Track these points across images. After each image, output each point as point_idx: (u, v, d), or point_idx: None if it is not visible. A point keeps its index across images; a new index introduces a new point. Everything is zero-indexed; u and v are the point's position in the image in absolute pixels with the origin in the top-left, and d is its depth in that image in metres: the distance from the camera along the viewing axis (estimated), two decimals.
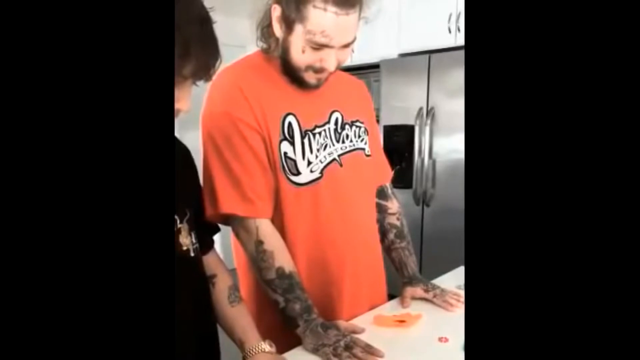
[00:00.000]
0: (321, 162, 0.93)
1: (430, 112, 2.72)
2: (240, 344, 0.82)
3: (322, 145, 0.94)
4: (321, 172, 0.93)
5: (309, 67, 0.87)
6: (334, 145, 0.96)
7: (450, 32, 2.76)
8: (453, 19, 2.73)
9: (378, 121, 2.93)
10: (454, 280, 1.17)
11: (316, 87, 0.92)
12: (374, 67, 3.04)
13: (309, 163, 0.92)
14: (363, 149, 1.02)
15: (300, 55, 0.86)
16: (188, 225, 0.77)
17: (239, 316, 0.84)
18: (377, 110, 2.97)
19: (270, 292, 0.89)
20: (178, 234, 0.75)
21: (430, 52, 2.75)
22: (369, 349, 0.82)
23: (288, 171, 0.90)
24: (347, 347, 0.82)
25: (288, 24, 0.84)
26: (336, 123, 0.97)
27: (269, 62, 0.93)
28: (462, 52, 2.52)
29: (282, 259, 0.89)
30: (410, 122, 2.81)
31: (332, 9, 0.80)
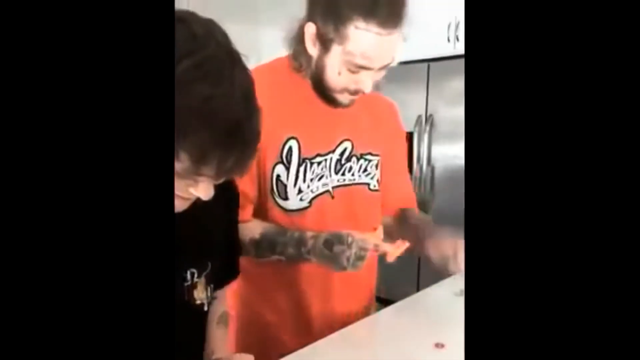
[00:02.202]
0: (312, 192, 0.90)
1: (429, 120, 2.74)
2: (209, 355, 0.79)
3: (317, 175, 0.90)
4: (310, 202, 0.90)
5: (345, 90, 0.84)
6: (331, 176, 0.92)
7: (449, 41, 2.78)
8: (452, 28, 2.75)
9: None
10: (451, 287, 1.17)
11: (347, 106, 0.88)
12: None
13: (300, 191, 0.89)
14: (367, 184, 0.97)
15: (336, 77, 0.82)
16: (206, 279, 0.72)
17: (220, 336, 0.82)
18: None
19: (271, 258, 0.88)
20: (194, 288, 0.70)
21: (429, 60, 2.77)
22: (377, 248, 0.81)
23: (277, 194, 0.88)
24: (359, 258, 0.79)
25: (324, 43, 0.80)
26: (342, 154, 0.93)
27: (295, 75, 0.89)
28: (461, 61, 2.54)
29: (255, 229, 0.87)
30: (409, 129, 2.82)
31: (375, 29, 0.75)
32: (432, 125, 2.73)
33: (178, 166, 0.50)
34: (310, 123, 0.89)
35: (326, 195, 0.92)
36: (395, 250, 0.84)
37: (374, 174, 0.98)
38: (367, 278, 1.08)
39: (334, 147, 0.92)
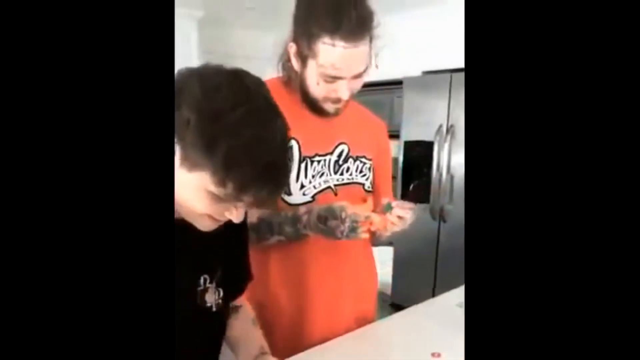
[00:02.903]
0: (314, 188, 0.98)
1: (450, 129, 2.77)
2: (260, 351, 0.85)
3: (318, 172, 0.98)
4: (313, 197, 0.98)
5: (326, 99, 0.93)
6: (330, 175, 1.00)
7: None
8: None
9: (398, 137, 3.01)
10: (456, 297, 1.21)
11: (335, 114, 0.97)
12: (398, 83, 3.11)
13: (302, 186, 0.97)
14: (362, 184, 1.06)
15: (316, 87, 0.91)
16: (216, 284, 0.78)
17: (261, 335, 0.89)
18: (399, 125, 3.04)
19: (270, 240, 0.95)
20: (205, 292, 0.76)
21: (452, 71, 2.80)
22: (369, 220, 0.87)
23: None
24: (353, 230, 0.87)
25: (302, 59, 0.90)
26: (339, 155, 1.02)
27: (288, 90, 0.98)
28: None
29: (252, 216, 0.94)
30: (430, 138, 2.86)
31: (340, 43, 0.84)
32: (452, 134, 2.77)
33: (221, 192, 0.58)
34: (307, 128, 0.97)
35: (329, 191, 1.00)
36: (383, 221, 0.91)
37: (368, 176, 1.07)
38: (369, 281, 1.14)
39: (331, 149, 1.01)
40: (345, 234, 0.87)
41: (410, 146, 2.97)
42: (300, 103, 0.97)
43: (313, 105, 0.96)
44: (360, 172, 1.05)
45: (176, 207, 0.65)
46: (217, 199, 0.60)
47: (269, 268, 0.99)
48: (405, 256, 3.11)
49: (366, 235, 0.90)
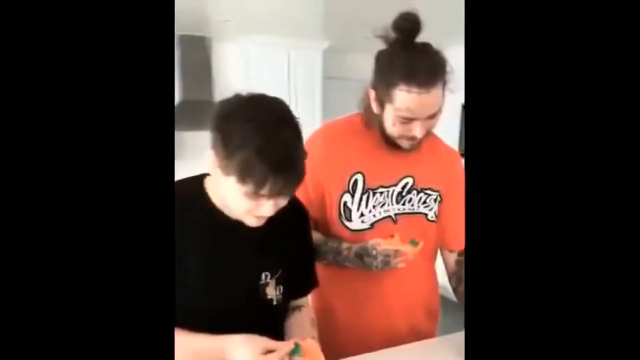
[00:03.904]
0: (374, 217, 1.10)
1: None
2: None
3: (379, 203, 1.10)
4: (371, 225, 1.10)
5: (402, 136, 1.02)
6: (392, 205, 1.11)
7: None
8: None
9: None
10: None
11: (410, 149, 1.06)
12: None
13: (362, 215, 1.09)
14: (425, 214, 1.15)
15: (392, 128, 1.02)
16: (276, 281, 0.90)
17: (312, 329, 0.99)
18: None
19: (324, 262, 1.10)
20: (266, 286, 0.89)
21: None
22: (399, 254, 0.99)
23: (344, 216, 1.09)
24: (385, 263, 0.99)
25: (381, 103, 1.01)
26: (403, 187, 1.12)
27: (367, 127, 1.10)
28: None
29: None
30: None
31: (414, 89, 0.93)
32: None
33: (245, 189, 0.73)
34: (376, 162, 1.09)
35: (388, 220, 1.11)
36: (413, 250, 1.02)
37: (432, 207, 1.15)
38: (421, 295, 1.22)
39: (396, 182, 1.12)
40: (379, 267, 1.00)
41: None
42: (376, 139, 1.08)
43: (390, 142, 1.06)
44: (424, 203, 1.14)
45: (227, 208, 0.83)
46: (247, 196, 0.75)
47: (326, 280, 1.11)
48: None
49: (403, 265, 1.01)
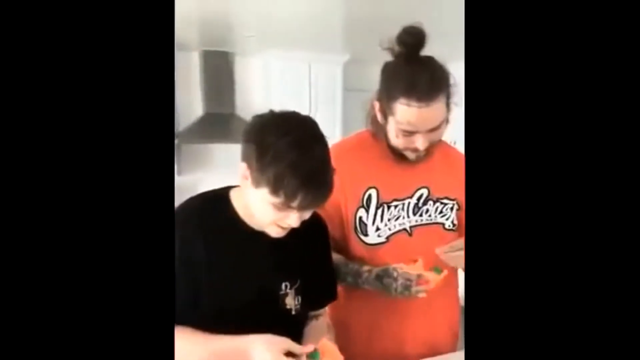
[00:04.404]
0: (389, 230, 1.10)
1: None
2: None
3: (394, 216, 1.10)
4: (387, 238, 1.10)
5: (406, 148, 1.03)
6: (408, 217, 1.11)
7: None
8: None
9: None
10: None
11: (417, 160, 1.07)
12: None
13: (377, 229, 1.10)
14: (442, 224, 1.14)
15: (395, 140, 1.03)
16: (295, 291, 0.92)
17: (329, 334, 1.01)
18: None
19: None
20: (285, 296, 0.91)
21: None
22: (420, 278, 0.97)
23: (360, 231, 1.10)
24: (406, 288, 0.98)
25: (384, 115, 1.02)
26: (419, 198, 1.12)
27: (376, 141, 1.11)
28: None
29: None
30: None
31: (414, 104, 0.94)
32: None
33: (276, 201, 0.75)
34: (389, 176, 1.10)
35: (403, 232, 1.11)
36: (436, 278, 1.00)
37: (449, 216, 1.15)
38: (442, 314, 1.20)
39: (411, 194, 1.12)
40: (399, 290, 0.98)
41: None
42: (386, 152, 1.09)
43: (395, 152, 1.07)
44: (440, 212, 1.14)
45: (251, 219, 0.85)
46: (276, 207, 0.78)
47: (343, 294, 1.12)
48: None
49: (424, 295, 0.99)
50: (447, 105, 0.99)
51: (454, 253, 1.02)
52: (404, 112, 0.96)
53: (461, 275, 1.18)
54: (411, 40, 0.96)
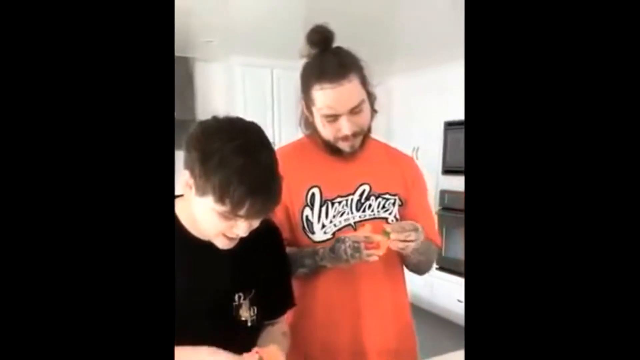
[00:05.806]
0: (335, 226, 1.13)
1: None
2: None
3: (339, 212, 1.13)
4: (333, 234, 1.12)
5: (336, 138, 1.06)
6: (352, 213, 1.14)
7: None
8: None
9: None
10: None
11: (352, 152, 1.10)
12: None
13: (323, 226, 1.12)
14: (385, 218, 1.17)
15: (323, 130, 1.06)
16: (250, 302, 0.90)
17: (282, 340, 0.96)
18: None
19: (297, 273, 1.10)
20: (239, 308, 0.88)
21: None
22: (368, 240, 1.00)
23: (307, 230, 1.12)
24: (355, 250, 0.99)
25: (308, 108, 1.08)
26: (361, 194, 1.15)
27: (312, 142, 1.15)
28: None
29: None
30: None
31: (327, 85, 0.99)
32: None
33: (223, 209, 0.72)
34: (330, 174, 1.13)
35: (348, 228, 1.14)
36: (384, 241, 1.01)
37: (392, 210, 1.18)
38: (394, 313, 1.22)
39: (353, 190, 1.15)
40: (349, 253, 1.00)
41: None
42: (323, 151, 1.12)
43: (331, 148, 1.10)
44: (383, 207, 1.17)
45: (197, 230, 0.82)
46: (222, 216, 0.74)
47: (302, 292, 1.13)
48: None
49: (375, 258, 1.01)
50: (364, 85, 1.04)
51: (402, 235, 1.02)
52: (321, 96, 1.01)
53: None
54: (318, 37, 1.03)
